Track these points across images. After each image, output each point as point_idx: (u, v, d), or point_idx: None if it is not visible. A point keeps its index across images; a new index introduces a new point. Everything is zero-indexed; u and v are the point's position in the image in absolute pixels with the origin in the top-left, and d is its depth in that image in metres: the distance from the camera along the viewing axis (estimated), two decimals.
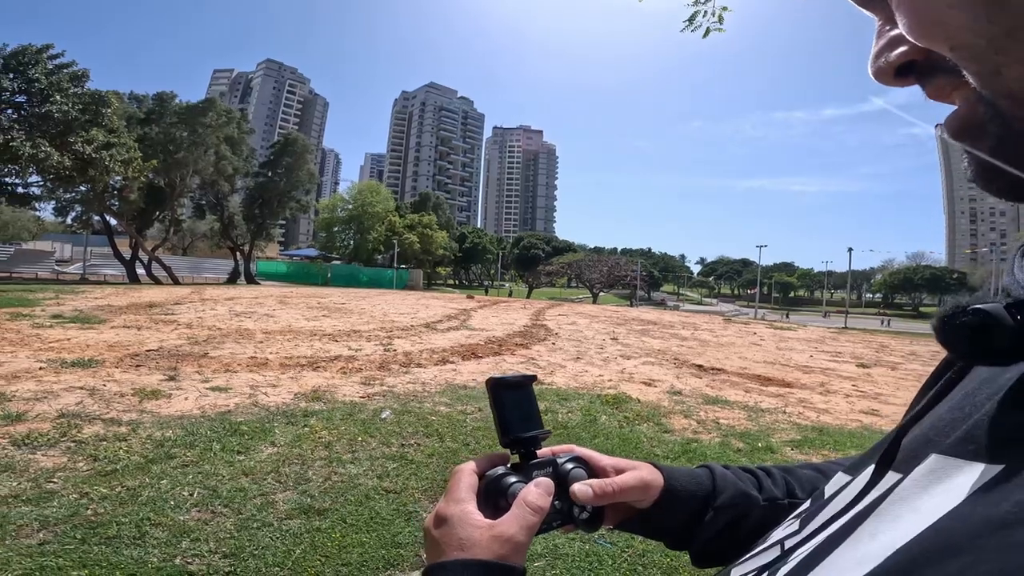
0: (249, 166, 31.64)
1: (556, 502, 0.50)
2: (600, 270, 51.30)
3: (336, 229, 52.99)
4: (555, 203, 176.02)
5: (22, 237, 40.72)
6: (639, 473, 0.54)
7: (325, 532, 2.56)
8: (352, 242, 52.30)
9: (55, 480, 2.87)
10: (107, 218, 25.92)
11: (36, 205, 21.54)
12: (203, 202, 31.03)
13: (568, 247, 72.83)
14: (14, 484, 2.77)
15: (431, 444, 3.87)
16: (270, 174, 32.70)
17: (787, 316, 44.51)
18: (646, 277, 68.65)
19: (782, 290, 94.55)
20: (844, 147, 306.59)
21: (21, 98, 14.51)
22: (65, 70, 15.07)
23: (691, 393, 6.31)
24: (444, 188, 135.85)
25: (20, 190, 16.92)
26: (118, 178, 17.53)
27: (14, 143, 12.77)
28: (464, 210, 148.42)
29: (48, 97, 14.24)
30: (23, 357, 5.83)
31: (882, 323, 48.03)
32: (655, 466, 0.55)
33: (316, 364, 6.36)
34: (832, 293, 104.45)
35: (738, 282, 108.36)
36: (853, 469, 0.37)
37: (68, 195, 21.86)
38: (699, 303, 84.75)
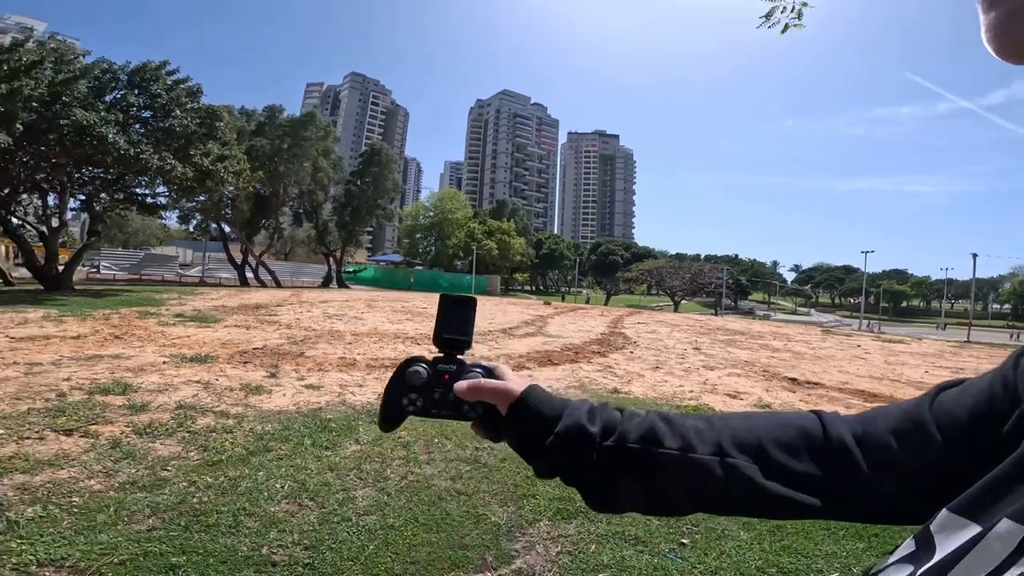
0: (340, 176, 33.72)
1: (442, 392, 0.62)
2: (682, 277, 49.29)
3: (418, 236, 55.29)
4: (633, 208, 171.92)
5: (150, 243, 46.29)
6: (507, 383, 0.60)
7: (397, 530, 2.63)
8: (433, 248, 54.29)
9: (169, 468, 3.14)
10: (222, 225, 28.77)
11: (162, 214, 24.01)
12: (300, 211, 33.56)
13: (648, 253, 70.79)
14: (133, 471, 3.07)
15: (504, 448, 3.85)
16: (358, 183, 34.66)
17: (878, 328, 40.00)
18: (732, 285, 65.09)
19: (892, 299, 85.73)
20: (966, 143, 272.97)
21: (147, 113, 15.48)
22: (182, 85, 15.97)
23: (782, 407, 5.84)
24: (520, 194, 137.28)
25: (149, 200, 18.69)
26: (231, 188, 18.89)
27: (144, 156, 13.84)
28: (540, 216, 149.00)
29: (170, 112, 15.21)
30: (150, 352, 6.56)
31: (1011, 336, 42.59)
32: (536, 385, 0.61)
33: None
34: (952, 303, 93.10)
35: (839, 291, 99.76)
36: (970, 511, 0.33)
37: (189, 204, 24.43)
38: (793, 312, 78.83)
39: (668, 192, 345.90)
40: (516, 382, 0.61)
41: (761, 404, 5.98)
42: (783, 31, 4.12)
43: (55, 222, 16.35)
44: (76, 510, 2.55)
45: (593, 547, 2.59)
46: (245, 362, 6.32)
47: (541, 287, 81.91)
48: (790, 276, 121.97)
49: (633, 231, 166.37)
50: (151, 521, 2.53)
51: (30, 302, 11.08)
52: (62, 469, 2.99)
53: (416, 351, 8.01)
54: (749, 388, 6.91)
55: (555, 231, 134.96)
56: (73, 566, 2.12)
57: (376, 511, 2.81)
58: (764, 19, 4.14)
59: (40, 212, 16.92)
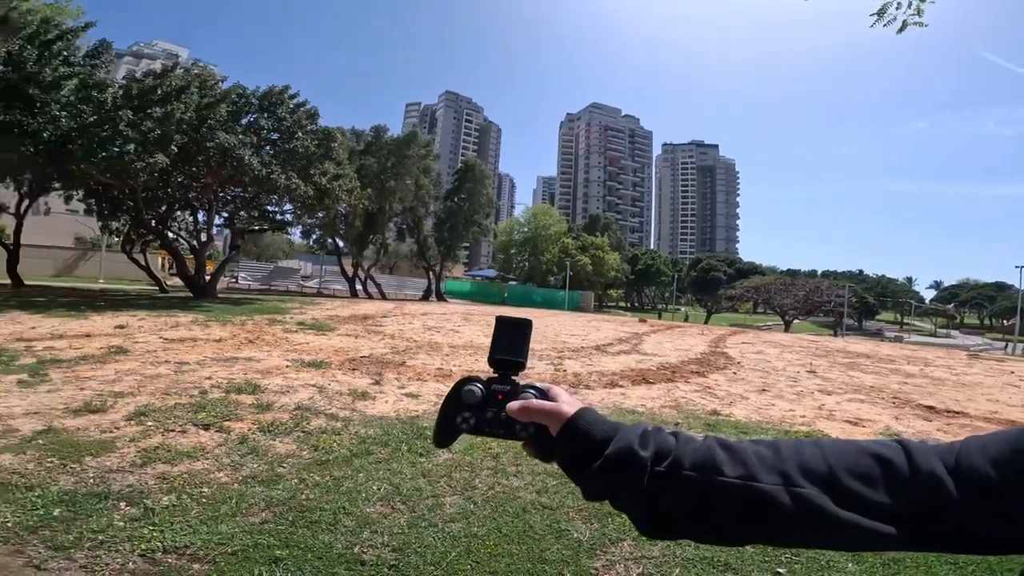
0: (439, 192, 35.39)
1: (495, 412, 0.63)
2: (795, 295, 45.21)
3: (512, 251, 56.29)
4: (737, 222, 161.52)
5: (278, 256, 51.80)
6: (558, 404, 0.61)
7: (480, 539, 2.65)
8: (527, 263, 54.95)
9: (284, 465, 3.39)
10: (336, 240, 31.41)
11: (288, 229, 26.85)
12: (404, 226, 35.68)
13: (754, 269, 66.05)
14: (255, 466, 3.34)
15: None
16: (456, 199, 36.13)
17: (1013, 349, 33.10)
18: (856, 303, 58.63)
19: None
20: None
21: (275, 135, 16.92)
22: (302, 109, 17.32)
23: (915, 437, 5.13)
24: (615, 209, 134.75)
25: (278, 217, 20.89)
26: (344, 205, 20.42)
27: (274, 176, 15.33)
28: (636, 231, 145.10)
29: (293, 134, 16.57)
30: (275, 356, 7.27)
31: None
32: (588, 408, 0.61)
33: None
34: None
35: (989, 311, 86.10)
36: None
37: (310, 220, 26.99)
38: (932, 335, 69.13)
39: (777, 204, 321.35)
40: (568, 403, 0.62)
41: (889, 433, 5.38)
42: (900, 30, 3.73)
43: (203, 237, 18.83)
44: (204, 500, 2.81)
45: (677, 571, 2.47)
46: (353, 369, 6.77)
47: (636, 304, 79.56)
48: (928, 294, 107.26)
49: (737, 246, 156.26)
50: (264, 514, 2.72)
51: (181, 308, 12.83)
52: (197, 461, 3.33)
53: None
54: (874, 415, 6.18)
55: (651, 246, 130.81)
56: (193, 554, 2.31)
57: (462, 519, 2.84)
58: (877, 16, 3.76)
59: (191, 228, 19.60)
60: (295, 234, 32.94)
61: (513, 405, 0.62)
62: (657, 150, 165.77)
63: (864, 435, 5.27)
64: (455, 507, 2.98)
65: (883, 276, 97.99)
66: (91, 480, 2.92)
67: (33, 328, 8.21)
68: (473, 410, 0.64)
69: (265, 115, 16.62)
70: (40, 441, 3.42)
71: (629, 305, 75.70)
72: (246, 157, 14.44)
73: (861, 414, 6.25)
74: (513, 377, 0.67)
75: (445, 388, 6.02)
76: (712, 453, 0.53)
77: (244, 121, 16.22)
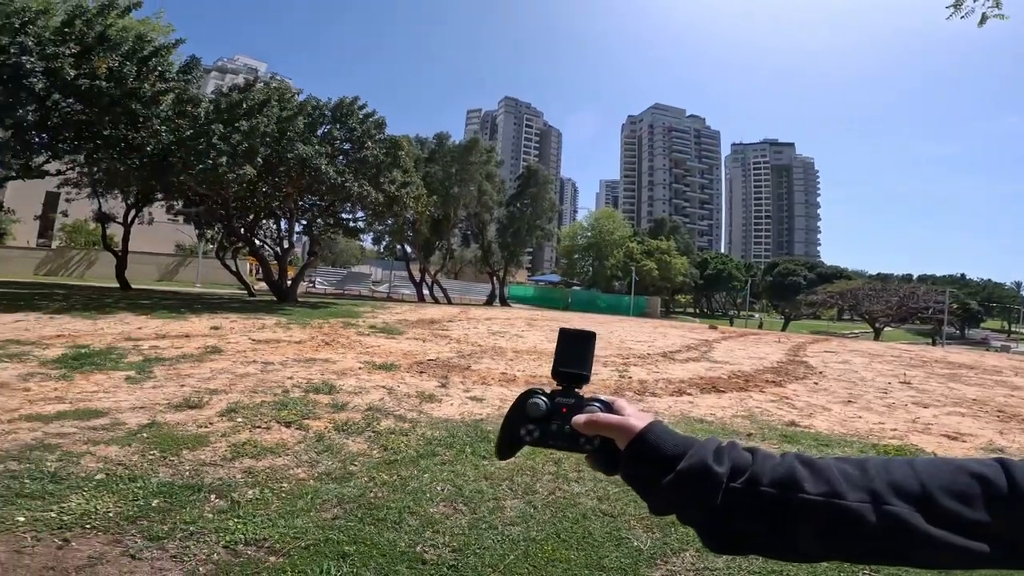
0: (502, 198, 35.76)
1: (559, 424, 0.63)
2: (886, 300, 41.58)
3: (576, 256, 55.78)
4: (818, 223, 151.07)
5: (351, 262, 54.48)
6: (626, 418, 0.60)
7: (539, 543, 2.63)
8: (591, 268, 54.30)
9: (356, 464, 3.52)
10: (404, 246, 32.58)
11: (360, 236, 28.09)
12: (468, 232, 36.39)
13: (838, 273, 61.50)
14: (329, 464, 3.49)
15: None
16: (518, 205, 36.36)
17: None
18: (957, 310, 53.17)
19: None
20: None
21: (347, 145, 17.63)
22: (370, 119, 17.89)
23: (1020, 453, 4.62)
24: (682, 212, 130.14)
25: (351, 224, 21.94)
26: (411, 212, 21.14)
27: (347, 184, 16.04)
28: (705, 234, 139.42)
29: (363, 144, 17.24)
30: (350, 358, 7.61)
31: None
32: (658, 422, 0.60)
33: None
34: None
35: None
36: None
37: (380, 227, 28.14)
38: None
39: (865, 205, 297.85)
40: (636, 416, 0.62)
41: (992, 448, 4.87)
42: (981, 23, 3.45)
43: (286, 243, 20.13)
44: (284, 495, 2.95)
45: None
46: (421, 372, 6.96)
47: (706, 310, 76.38)
48: None
49: (818, 249, 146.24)
50: (335, 511, 2.83)
51: (266, 310, 13.77)
52: (279, 457, 3.53)
53: None
54: (976, 430, 5.60)
55: (722, 250, 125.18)
56: (271, 547, 2.42)
57: (521, 522, 2.84)
58: (953, 9, 3.48)
59: (275, 235, 21.03)
60: (366, 240, 34.47)
61: (579, 418, 0.62)
62: (726, 150, 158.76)
63: (964, 450, 4.82)
64: (515, 511, 2.99)
65: (988, 280, 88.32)
66: (187, 473, 3.16)
67: (139, 328, 9.11)
68: (537, 423, 0.64)
69: (337, 126, 17.34)
70: (144, 434, 3.76)
71: (698, 311, 72.83)
72: (322, 167, 15.12)
73: (961, 428, 5.69)
74: (577, 390, 0.67)
75: (509, 392, 6.07)
76: (793, 470, 0.53)
77: (319, 132, 16.95)
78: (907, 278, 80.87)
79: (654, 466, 0.57)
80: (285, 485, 3.10)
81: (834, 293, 46.24)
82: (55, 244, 32.42)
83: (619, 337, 14.64)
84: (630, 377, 7.87)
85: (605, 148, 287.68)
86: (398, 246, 32.59)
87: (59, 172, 15.00)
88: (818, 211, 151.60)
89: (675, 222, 72.60)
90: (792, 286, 57.76)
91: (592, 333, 0.69)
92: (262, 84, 16.89)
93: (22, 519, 2.43)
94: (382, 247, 33.89)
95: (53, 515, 2.49)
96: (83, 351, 6.59)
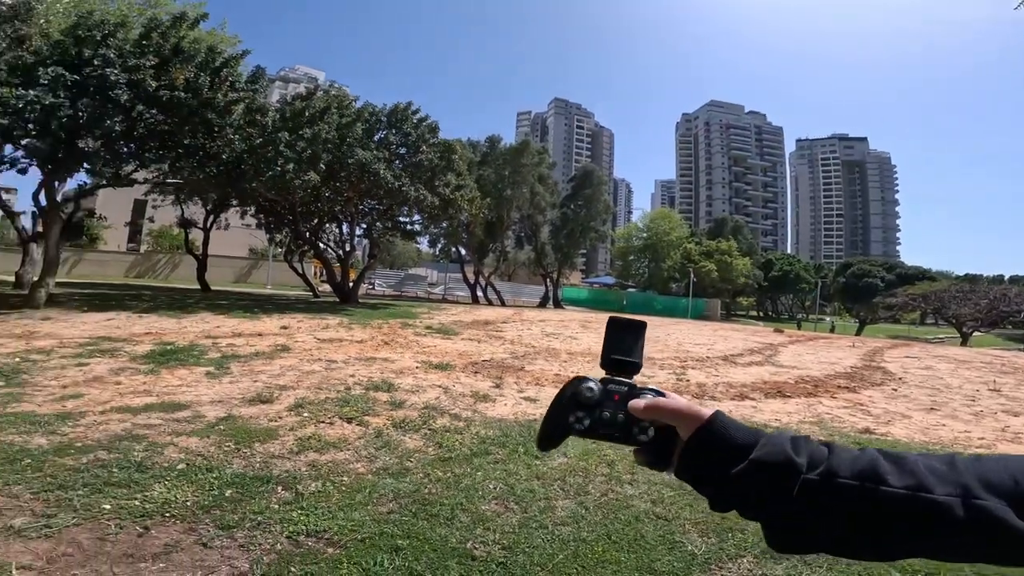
0: (555, 199, 35.61)
1: (611, 412, 0.60)
2: (975, 303, 38.10)
3: (631, 258, 54.72)
4: (896, 222, 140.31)
5: (408, 264, 56.01)
6: (693, 404, 0.57)
7: (589, 544, 2.61)
8: (647, 270, 53.08)
9: (412, 460, 3.61)
10: (459, 249, 33.13)
11: (417, 239, 28.78)
12: (522, 234, 36.51)
13: (920, 274, 56.80)
14: (387, 459, 3.60)
15: None
16: (571, 206, 36.08)
17: None
18: None
19: None
20: None
21: (402, 150, 18.05)
22: (424, 123, 18.25)
23: None
24: (743, 211, 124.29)
25: (408, 227, 22.54)
26: (465, 215, 21.44)
27: (404, 188, 16.46)
28: (770, 234, 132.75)
29: (418, 148, 17.62)
30: (407, 358, 7.82)
31: None
32: (722, 412, 0.57)
33: None
34: None
35: None
36: None
37: (435, 230, 28.75)
38: None
39: (951, 202, 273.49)
40: (701, 406, 0.58)
41: None
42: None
43: (347, 247, 20.99)
44: (344, 488, 3.06)
45: None
46: (476, 372, 7.05)
47: (771, 312, 72.75)
48: None
49: (897, 248, 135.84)
50: (391, 505, 2.91)
51: (330, 311, 14.41)
52: (341, 451, 3.67)
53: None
54: None
55: (788, 250, 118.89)
56: (329, 539, 2.51)
57: (572, 523, 2.83)
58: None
59: (337, 238, 21.98)
60: (423, 243, 35.30)
61: (637, 403, 0.59)
62: (790, 147, 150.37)
63: None
64: (566, 511, 2.98)
65: None
66: (257, 464, 3.34)
67: (218, 327, 9.78)
68: (587, 410, 0.61)
69: (393, 131, 17.82)
70: (221, 427, 4.02)
71: (762, 314, 69.53)
72: (380, 171, 15.60)
73: None
74: (628, 380, 0.63)
75: None
76: (875, 463, 0.50)
77: (376, 138, 17.48)
78: (998, 279, 73.58)
79: (724, 455, 0.54)
80: (345, 479, 3.22)
81: (916, 295, 42.80)
82: (143, 248, 35.38)
83: (676, 340, 14.22)
84: (687, 380, 7.64)
85: (659, 147, 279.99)
86: (453, 248, 33.16)
87: (146, 180, 16.04)
88: (896, 208, 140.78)
89: (737, 222, 69.38)
90: (868, 288, 53.91)
91: (643, 322, 0.68)
92: (322, 92, 17.58)
93: (108, 507, 2.63)
94: (437, 249, 34.59)
95: (136, 503, 2.68)
96: (168, 348, 7.16)
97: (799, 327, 43.29)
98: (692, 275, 44.74)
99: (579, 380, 0.63)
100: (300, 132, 14.41)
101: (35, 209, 13.74)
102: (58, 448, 3.33)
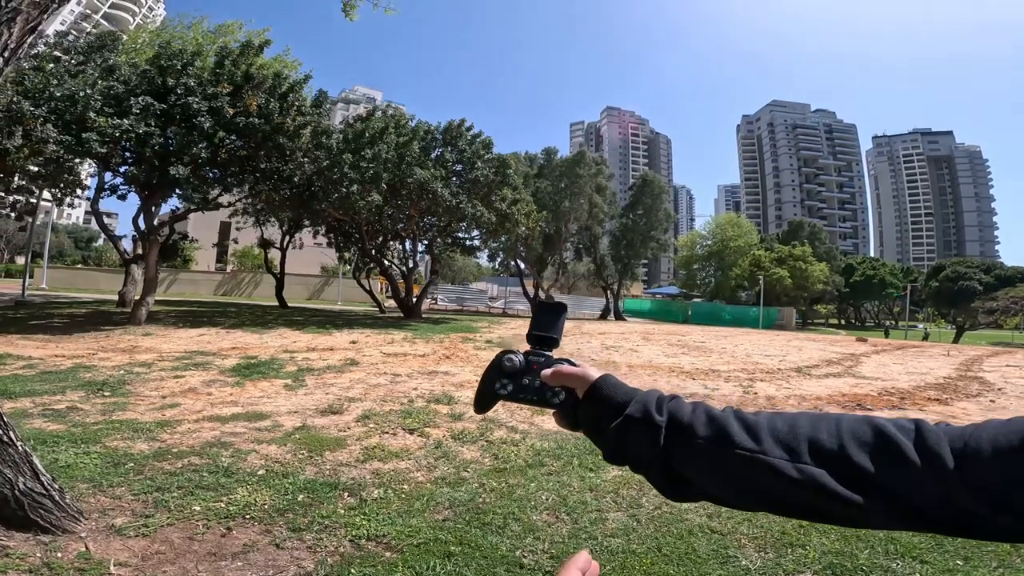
0: (614, 210, 35.10)
1: (530, 380, 0.69)
2: None
3: (695, 266, 52.93)
4: (993, 219, 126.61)
5: (468, 279, 57.12)
6: (583, 368, 0.65)
7: (638, 556, 2.59)
8: (712, 279, 51.12)
9: (468, 470, 3.72)
10: (518, 262, 33.43)
11: (477, 254, 29.27)
12: (580, 246, 36.31)
13: (1022, 275, 51.01)
14: (445, 469, 3.73)
15: None
16: (631, 216, 35.47)
17: None
18: None
19: None
20: None
21: (458, 167, 18.38)
22: (478, 140, 18.55)
23: None
24: (817, 214, 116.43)
25: (468, 243, 23.00)
26: (523, 229, 21.61)
27: (462, 205, 16.80)
28: (849, 237, 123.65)
29: (473, 164, 17.87)
30: (467, 371, 8.01)
31: None
32: (610, 375, 0.65)
33: None
34: None
35: None
36: None
37: (494, 244, 29.17)
38: None
39: None
40: (595, 371, 0.66)
41: None
42: None
43: (410, 263, 21.77)
44: (403, 496, 3.21)
45: None
46: None
47: (854, 320, 67.69)
48: None
49: (996, 248, 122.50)
50: (446, 513, 3.02)
51: (395, 326, 15.01)
52: (402, 461, 3.84)
53: (691, 385, 7.75)
54: None
55: (871, 253, 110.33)
56: (388, 543, 2.64)
57: (623, 535, 2.83)
58: None
59: (401, 255, 22.86)
60: (482, 258, 35.92)
61: (546, 372, 0.67)
62: (867, 144, 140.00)
63: None
64: (617, 523, 2.98)
65: None
66: (327, 471, 3.57)
67: (294, 342, 10.47)
68: (511, 377, 0.70)
69: (448, 148, 18.25)
70: (296, 436, 4.33)
71: (843, 322, 64.85)
72: (439, 189, 16.03)
73: None
74: (547, 352, 0.72)
75: None
76: (727, 423, 0.56)
77: (433, 155, 17.96)
78: None
79: (605, 412, 0.61)
80: (405, 487, 3.38)
81: (1019, 298, 38.51)
82: (229, 268, 38.37)
83: (744, 351, 13.61)
84: (755, 392, 7.32)
85: (720, 152, 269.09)
86: (512, 262, 33.49)
87: (230, 204, 17.13)
88: (992, 205, 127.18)
89: (813, 225, 65.12)
90: (964, 291, 49.00)
91: (562, 305, 0.78)
92: (380, 113, 18.31)
93: (198, 508, 2.90)
94: (497, 264, 35.05)
95: (222, 505, 2.94)
96: (252, 361, 7.77)
97: (887, 335, 39.96)
98: (763, 283, 42.57)
99: (504, 352, 0.71)
100: (362, 153, 15.04)
101: (135, 233, 14.95)
102: (157, 453, 3.73)
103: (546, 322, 0.76)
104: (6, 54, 2.29)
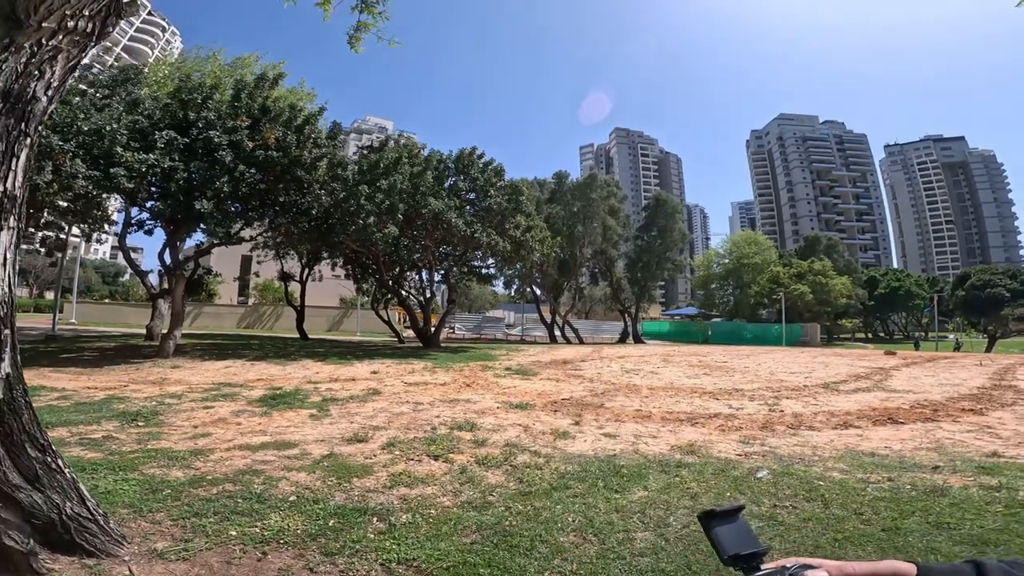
0: (628, 232, 35.03)
1: None
2: None
3: (713, 286, 52.40)
4: (1015, 224, 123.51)
5: (485, 307, 57.28)
6: (890, 561, 0.54)
7: (668, 574, 2.59)
8: (731, 298, 50.52)
9: (494, 495, 3.74)
10: (534, 289, 33.51)
11: (493, 282, 29.38)
12: (596, 270, 36.28)
13: None
14: (471, 493, 3.76)
15: (810, 508, 3.41)
16: (645, 237, 35.37)
17: None
18: None
19: None
20: None
21: (471, 195, 18.29)
22: (490, 167, 18.48)
23: None
24: (835, 227, 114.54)
25: (484, 271, 23.08)
26: (537, 255, 21.61)
27: (477, 234, 16.77)
28: (870, 249, 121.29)
29: (486, 192, 17.82)
30: (488, 399, 8.04)
31: None
32: (907, 561, 0.54)
33: (694, 420, 6.38)
34: None
35: None
36: None
37: (509, 272, 29.26)
38: None
39: None
40: (902, 563, 0.57)
41: None
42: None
43: (428, 293, 21.98)
44: (431, 520, 3.25)
45: None
46: (555, 411, 7.11)
47: (881, 333, 66.03)
48: None
49: (1021, 253, 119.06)
50: (474, 536, 3.05)
51: (415, 356, 15.11)
52: (428, 486, 3.88)
53: (714, 406, 7.67)
54: None
55: (894, 264, 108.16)
56: (418, 567, 2.67)
57: (651, 554, 2.82)
58: None
59: (418, 285, 23.09)
60: (498, 286, 36.10)
61: (818, 574, 0.55)
62: (879, 153, 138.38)
63: None
64: (645, 543, 2.97)
65: None
66: (356, 497, 3.63)
67: (317, 373, 10.62)
68: None
69: (461, 177, 18.29)
70: (324, 463, 4.40)
71: (869, 336, 63.27)
72: (453, 219, 16.07)
73: None
74: (764, 567, 0.60)
75: (643, 429, 5.93)
76: None
77: (446, 185, 17.98)
78: None
79: None
80: (433, 511, 3.42)
81: None
82: (251, 301, 39.11)
83: (768, 369, 13.39)
84: (781, 411, 7.21)
85: (731, 169, 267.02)
86: (528, 289, 33.55)
87: (251, 238, 17.33)
88: (1012, 210, 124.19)
89: (832, 239, 64.26)
90: (993, 299, 47.63)
91: (739, 506, 0.68)
92: (392, 143, 18.62)
93: (234, 533, 2.97)
94: (513, 291, 35.11)
95: (257, 531, 3.02)
96: (278, 392, 7.91)
97: (916, 347, 38.85)
98: (783, 299, 41.93)
99: None
100: (377, 184, 15.14)
101: (161, 268, 15.19)
102: (192, 480, 3.84)
103: (733, 534, 0.65)
104: (50, 92, 2.44)
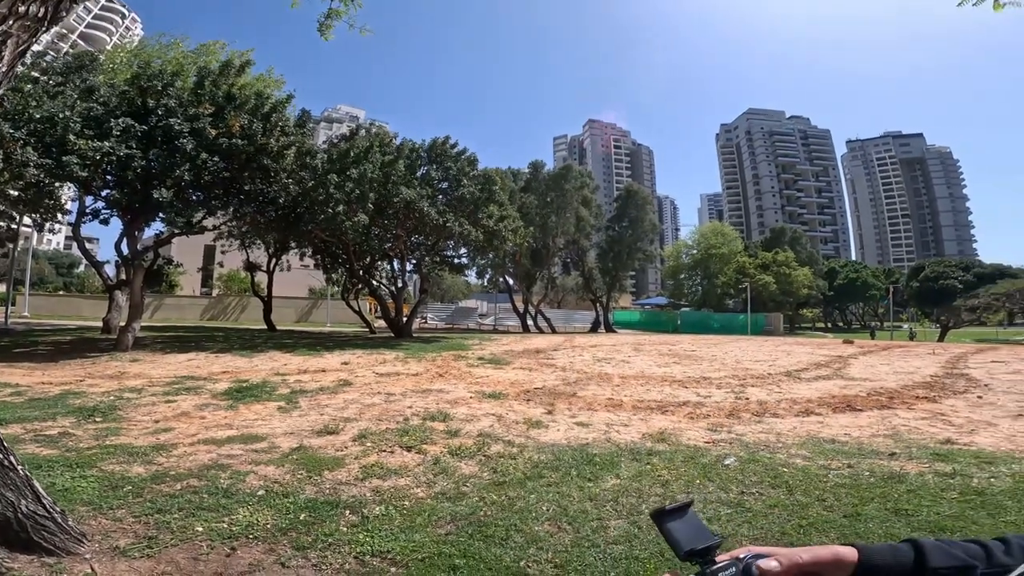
0: (600, 222, 35.35)
1: None
2: None
3: (682, 276, 53.47)
4: (968, 218, 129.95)
5: (458, 297, 57.07)
6: (831, 546, 0.57)
7: (641, 562, 2.65)
8: (700, 288, 51.67)
9: (468, 485, 3.75)
10: (507, 279, 33.51)
11: (465, 271, 29.23)
12: (568, 260, 36.49)
13: (1002, 272, 52.16)
14: (444, 484, 3.76)
15: (776, 495, 3.52)
16: (617, 228, 35.77)
17: None
18: None
19: None
20: None
21: (444, 184, 18.25)
22: (463, 156, 18.44)
23: None
24: (798, 219, 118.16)
25: (456, 261, 22.94)
26: (510, 245, 21.59)
27: (449, 224, 16.63)
28: (830, 241, 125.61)
29: (459, 182, 17.77)
30: (461, 388, 8.03)
31: None
32: (847, 544, 0.57)
33: (664, 408, 6.49)
34: None
35: None
36: None
37: (482, 261, 29.17)
38: None
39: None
40: (842, 547, 0.59)
41: None
42: (997, 7, 3.38)
43: (399, 283, 21.73)
44: (405, 511, 3.24)
45: None
46: (528, 400, 7.15)
47: (840, 323, 68.71)
48: None
49: (974, 246, 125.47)
50: (449, 527, 3.06)
51: (386, 346, 14.94)
52: (402, 478, 3.87)
53: (683, 394, 7.83)
54: None
55: (852, 256, 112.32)
56: (392, 559, 2.67)
57: (625, 541, 2.87)
58: None
59: (389, 275, 22.80)
60: (471, 275, 35.98)
61: (770, 564, 0.57)
62: (840, 149, 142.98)
63: None
64: (619, 530, 3.03)
65: None
66: (327, 490, 3.58)
67: (285, 364, 10.39)
68: None
69: (434, 166, 18.18)
70: (294, 456, 4.32)
71: (829, 325, 65.75)
72: (425, 208, 15.93)
73: None
74: (719, 559, 0.62)
75: (615, 417, 6.02)
76: (971, 548, 0.57)
77: (418, 174, 17.84)
78: None
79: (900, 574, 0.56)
80: (406, 503, 3.40)
81: (999, 295, 39.51)
82: (215, 292, 37.92)
83: (734, 357, 13.76)
84: (747, 399, 7.42)
85: (700, 161, 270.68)
86: (500, 279, 33.55)
87: (215, 227, 16.94)
88: (966, 204, 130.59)
89: (795, 231, 66.29)
90: (946, 290, 50.05)
91: (688, 501, 0.69)
92: (363, 132, 18.40)
93: (200, 529, 2.90)
94: (486, 281, 35.04)
95: (224, 526, 2.95)
96: (244, 385, 7.71)
97: (873, 336, 40.58)
98: (749, 289, 43.11)
99: None
100: (347, 173, 14.90)
101: (118, 258, 14.71)
102: (154, 476, 3.71)
103: (686, 530, 0.66)
104: None
